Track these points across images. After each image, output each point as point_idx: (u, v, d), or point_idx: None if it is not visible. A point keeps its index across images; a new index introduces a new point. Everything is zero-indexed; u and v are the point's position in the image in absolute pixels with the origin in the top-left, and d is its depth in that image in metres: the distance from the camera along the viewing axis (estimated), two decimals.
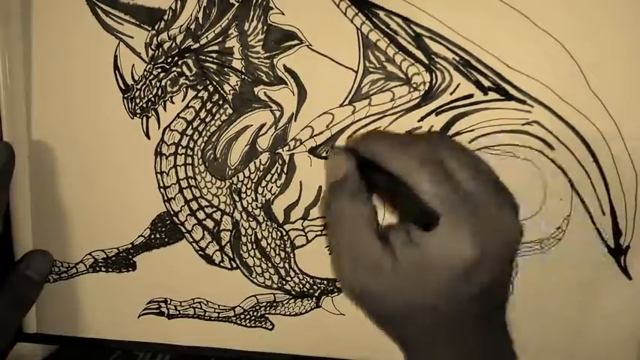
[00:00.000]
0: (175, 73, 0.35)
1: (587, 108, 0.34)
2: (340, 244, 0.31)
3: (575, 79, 0.34)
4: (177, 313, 0.39)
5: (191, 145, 0.36)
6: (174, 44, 0.35)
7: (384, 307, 0.31)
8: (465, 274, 0.28)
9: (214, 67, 0.35)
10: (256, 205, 0.37)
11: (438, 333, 0.30)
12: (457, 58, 0.34)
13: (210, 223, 0.37)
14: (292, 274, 0.38)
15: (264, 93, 0.35)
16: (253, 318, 0.38)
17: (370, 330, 0.37)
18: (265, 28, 0.34)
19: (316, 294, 0.38)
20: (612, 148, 0.34)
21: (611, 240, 0.35)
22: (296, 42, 0.34)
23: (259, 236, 0.37)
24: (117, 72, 0.35)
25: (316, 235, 0.37)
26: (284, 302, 0.38)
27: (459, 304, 0.29)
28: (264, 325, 0.39)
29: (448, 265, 0.28)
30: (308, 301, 0.38)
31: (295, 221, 0.37)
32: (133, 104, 0.36)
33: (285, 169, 0.36)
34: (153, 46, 0.35)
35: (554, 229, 0.36)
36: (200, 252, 0.38)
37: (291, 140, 0.36)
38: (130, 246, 0.38)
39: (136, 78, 0.35)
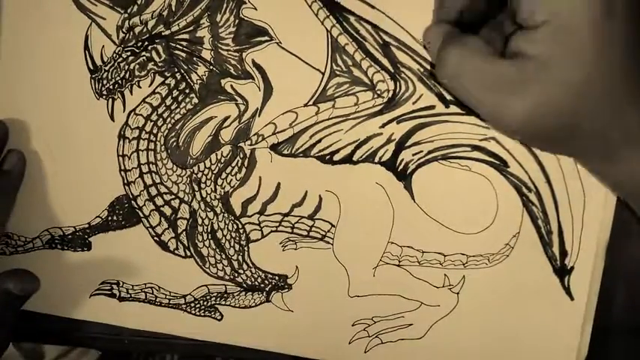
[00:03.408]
0: (144, 57, 0.34)
1: None
2: (474, 93, 0.28)
3: None
4: (129, 296, 0.37)
5: (154, 131, 0.35)
6: (145, 29, 0.33)
7: (565, 113, 0.27)
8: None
9: (183, 55, 0.33)
10: (215, 196, 0.35)
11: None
12: (422, 70, 0.33)
13: (167, 210, 0.36)
14: (245, 267, 0.36)
15: (231, 86, 0.34)
16: (203, 307, 0.37)
17: (318, 327, 0.36)
18: (237, 21, 0.33)
19: (267, 289, 0.36)
20: (564, 170, 0.33)
21: (557, 260, 0.34)
22: (266, 38, 0.33)
23: (215, 227, 0.36)
24: (87, 52, 0.34)
25: (271, 231, 0.36)
26: (234, 294, 0.37)
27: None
28: (213, 315, 0.37)
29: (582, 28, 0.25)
30: (258, 295, 0.37)
31: (252, 215, 0.35)
32: (100, 85, 0.34)
33: (245, 163, 0.35)
34: (124, 29, 0.33)
35: (502, 245, 0.35)
36: (155, 238, 0.36)
37: (254, 135, 0.34)
38: (87, 226, 0.36)
39: (105, 59, 0.34)
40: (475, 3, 0.30)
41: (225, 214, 0.35)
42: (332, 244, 0.35)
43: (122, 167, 0.35)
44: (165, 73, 0.34)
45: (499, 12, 0.30)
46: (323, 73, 0.33)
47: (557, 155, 0.33)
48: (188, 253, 0.36)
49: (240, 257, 0.36)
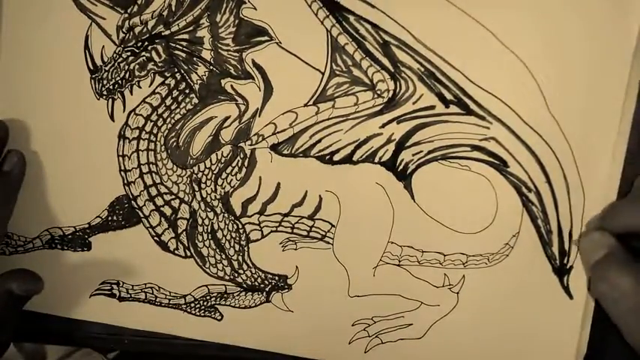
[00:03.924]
0: (144, 57, 0.33)
1: (543, 128, 0.33)
2: (628, 322, 0.30)
3: (535, 99, 0.33)
4: (129, 296, 0.37)
5: (154, 131, 0.34)
6: (145, 29, 0.33)
7: None
8: None
9: (183, 55, 0.33)
10: (215, 196, 0.35)
11: None
12: (422, 69, 0.33)
13: (167, 210, 0.35)
14: (245, 267, 0.36)
15: (231, 86, 0.34)
16: (203, 307, 0.37)
17: (318, 327, 0.36)
18: (237, 21, 0.33)
19: (267, 289, 0.36)
20: (565, 169, 0.33)
21: (556, 259, 0.34)
22: (266, 38, 0.33)
23: (215, 227, 0.35)
24: (87, 52, 0.34)
25: (271, 231, 0.35)
26: (234, 294, 0.36)
27: None
28: (213, 316, 0.37)
29: None
30: (258, 295, 0.36)
31: (252, 215, 0.35)
32: (100, 85, 0.34)
33: (245, 163, 0.34)
34: (124, 29, 0.33)
35: (502, 245, 0.34)
36: (155, 238, 0.36)
37: (254, 135, 0.34)
38: (87, 226, 0.36)
39: (105, 59, 0.34)
40: None
41: (226, 214, 0.35)
42: (332, 244, 0.35)
43: (122, 167, 0.35)
44: (165, 73, 0.34)
45: None
46: (323, 73, 0.33)
47: (558, 157, 0.33)
48: (188, 253, 0.36)
49: (240, 257, 0.36)
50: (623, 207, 0.32)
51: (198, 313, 0.37)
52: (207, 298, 0.36)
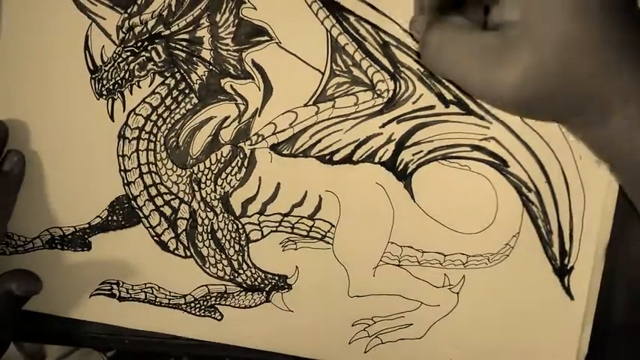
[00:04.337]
0: (144, 57, 0.33)
1: (543, 128, 0.33)
2: (458, 68, 0.27)
3: None
4: (129, 296, 0.37)
5: (154, 131, 0.34)
6: (145, 29, 0.33)
7: (551, 82, 0.26)
8: None
9: (183, 55, 0.33)
10: (215, 196, 0.35)
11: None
12: (422, 69, 0.33)
13: (167, 210, 0.35)
14: (245, 267, 0.36)
15: (231, 86, 0.33)
16: (203, 307, 0.37)
17: (318, 327, 0.36)
18: (237, 21, 0.33)
19: (267, 289, 0.36)
20: (565, 170, 0.33)
21: (556, 260, 0.34)
22: (266, 38, 0.33)
23: (215, 227, 0.35)
24: (87, 52, 0.34)
25: (271, 231, 0.35)
26: (234, 294, 0.36)
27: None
28: (213, 315, 0.37)
29: None
30: (258, 295, 0.36)
31: (252, 215, 0.35)
32: (100, 85, 0.34)
33: (245, 163, 0.34)
34: (124, 29, 0.33)
35: (502, 245, 0.34)
36: (155, 238, 0.36)
37: (254, 135, 0.34)
38: (87, 226, 0.36)
39: (105, 59, 0.34)
40: None
41: (225, 214, 0.35)
42: (332, 244, 0.35)
43: (122, 167, 0.35)
44: (165, 73, 0.34)
45: None
46: (323, 73, 0.33)
47: (558, 157, 0.33)
48: (188, 253, 0.36)
49: (240, 257, 0.36)
50: None
51: (198, 313, 0.37)
52: (207, 298, 0.36)
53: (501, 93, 0.27)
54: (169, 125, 0.34)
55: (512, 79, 0.26)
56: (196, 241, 0.36)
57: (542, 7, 0.25)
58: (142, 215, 0.35)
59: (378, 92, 0.33)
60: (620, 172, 0.28)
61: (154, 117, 0.34)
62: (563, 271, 0.34)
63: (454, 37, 0.27)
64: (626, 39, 0.25)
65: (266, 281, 0.36)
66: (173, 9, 0.33)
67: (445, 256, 0.35)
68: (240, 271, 0.36)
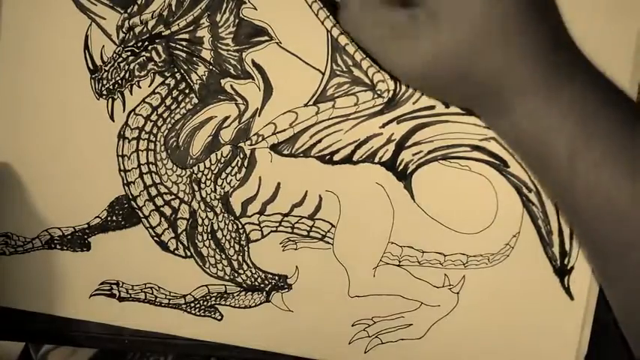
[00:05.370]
0: (144, 57, 0.33)
1: None
2: (371, 40, 0.29)
3: None
4: (129, 296, 0.37)
5: (154, 131, 0.34)
6: (145, 29, 0.33)
7: (456, 65, 0.27)
8: None
9: (183, 55, 0.33)
10: (215, 196, 0.35)
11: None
12: None
13: (167, 210, 0.35)
14: (245, 267, 0.36)
15: (231, 86, 0.33)
16: (203, 307, 0.36)
17: (318, 327, 0.36)
18: (237, 21, 0.33)
19: (267, 289, 0.36)
20: None
21: (556, 260, 0.34)
22: (266, 38, 0.33)
23: (215, 227, 0.35)
24: (87, 52, 0.33)
25: (271, 231, 0.35)
26: (234, 294, 0.36)
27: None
28: (213, 315, 0.37)
29: None
30: (258, 295, 0.36)
31: (252, 215, 0.35)
32: (100, 85, 0.34)
33: (245, 163, 0.34)
34: (124, 29, 0.33)
35: (502, 245, 0.34)
36: (155, 238, 0.36)
37: (254, 135, 0.34)
38: (86, 226, 0.36)
39: (105, 59, 0.33)
40: None
41: (225, 214, 0.35)
42: (332, 244, 0.35)
43: (122, 167, 0.35)
44: (165, 73, 0.33)
45: None
46: (323, 73, 0.33)
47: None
48: (188, 253, 0.36)
49: (240, 257, 0.36)
50: None
51: (198, 313, 0.37)
52: (207, 298, 0.36)
53: (411, 66, 0.28)
54: (169, 125, 0.34)
55: (424, 55, 0.27)
56: (196, 241, 0.36)
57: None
58: (141, 215, 0.35)
59: (379, 92, 0.33)
60: (527, 157, 0.30)
61: (154, 117, 0.34)
62: (563, 271, 0.34)
63: (371, 9, 0.28)
64: (534, 38, 0.26)
65: (266, 281, 0.36)
66: (173, 9, 0.33)
67: (445, 256, 0.35)
68: (240, 271, 0.36)
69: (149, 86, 0.34)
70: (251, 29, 0.33)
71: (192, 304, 0.36)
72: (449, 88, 0.29)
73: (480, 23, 0.26)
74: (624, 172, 0.26)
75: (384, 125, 0.33)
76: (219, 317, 0.37)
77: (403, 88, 0.33)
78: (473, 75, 0.27)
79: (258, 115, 0.34)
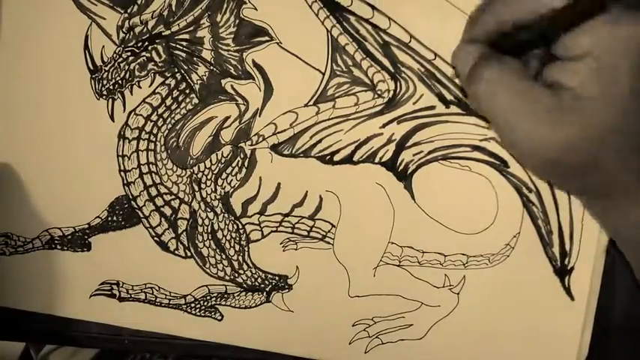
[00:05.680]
0: (144, 57, 0.33)
1: None
2: (507, 114, 0.27)
3: None
4: (129, 296, 0.37)
5: (154, 132, 0.34)
6: (145, 29, 0.33)
7: (586, 149, 0.26)
8: None
9: (184, 55, 0.33)
10: (215, 196, 0.35)
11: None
12: (422, 70, 0.32)
13: (167, 211, 0.35)
14: (245, 267, 0.36)
15: (231, 86, 0.33)
16: (203, 308, 0.36)
17: (318, 327, 0.36)
18: (237, 21, 0.33)
19: (267, 289, 0.36)
20: None
21: (557, 260, 0.34)
22: (266, 38, 0.33)
23: (216, 227, 0.35)
24: (87, 52, 0.33)
25: (272, 231, 0.35)
26: (235, 294, 0.36)
27: None
28: (213, 316, 0.37)
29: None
30: (259, 295, 0.36)
31: (252, 215, 0.35)
32: (100, 85, 0.34)
33: (245, 164, 0.34)
34: (124, 29, 0.33)
35: (503, 245, 0.34)
36: (155, 238, 0.36)
37: (254, 135, 0.34)
38: (87, 226, 0.36)
39: (105, 59, 0.33)
40: (517, 28, 0.27)
41: (226, 215, 0.35)
42: (332, 245, 0.35)
43: (122, 167, 0.35)
44: (166, 74, 0.33)
45: (536, 46, 0.28)
46: (323, 74, 0.33)
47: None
48: (188, 254, 0.36)
49: (240, 257, 0.36)
50: (483, 13, 0.29)
51: (198, 313, 0.37)
52: (208, 298, 0.36)
53: (540, 151, 0.27)
54: (170, 125, 0.34)
55: (556, 141, 0.26)
56: (196, 242, 0.35)
57: (603, 84, 0.25)
58: (142, 215, 0.35)
59: (379, 92, 0.33)
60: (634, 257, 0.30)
61: (154, 117, 0.34)
62: (563, 272, 0.34)
63: (510, 81, 0.27)
64: None
65: (266, 281, 0.36)
66: (173, 9, 0.33)
67: (445, 256, 0.35)
68: (241, 272, 0.36)
69: (149, 86, 0.34)
70: (251, 29, 0.33)
71: (193, 305, 0.36)
72: (575, 173, 0.27)
73: (624, 111, 0.25)
74: None
75: (384, 125, 0.33)
76: (220, 317, 0.37)
77: (403, 88, 0.33)
78: (604, 162, 0.26)
79: (259, 116, 0.34)
